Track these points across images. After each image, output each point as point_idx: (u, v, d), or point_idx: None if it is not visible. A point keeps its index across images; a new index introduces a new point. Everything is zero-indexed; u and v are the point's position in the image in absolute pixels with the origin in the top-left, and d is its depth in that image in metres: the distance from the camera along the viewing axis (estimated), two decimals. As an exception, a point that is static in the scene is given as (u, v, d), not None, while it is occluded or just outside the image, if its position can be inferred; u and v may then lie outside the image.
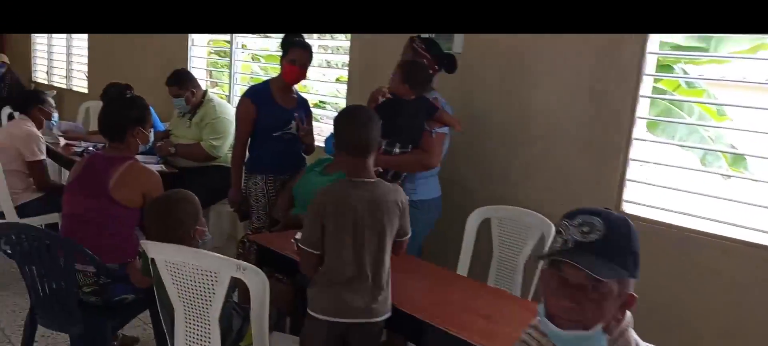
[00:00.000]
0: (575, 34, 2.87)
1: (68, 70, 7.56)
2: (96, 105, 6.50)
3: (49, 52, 8.00)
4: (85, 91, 7.12)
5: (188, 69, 5.28)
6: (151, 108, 4.87)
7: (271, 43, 6.35)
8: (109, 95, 2.57)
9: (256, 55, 6.35)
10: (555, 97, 3.01)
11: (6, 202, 3.39)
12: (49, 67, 8.06)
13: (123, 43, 6.34)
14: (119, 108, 2.53)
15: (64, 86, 7.64)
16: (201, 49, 5.44)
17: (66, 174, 4.58)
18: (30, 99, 3.64)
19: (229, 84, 5.00)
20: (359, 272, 2.03)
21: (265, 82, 3.41)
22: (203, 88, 4.35)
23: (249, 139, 3.40)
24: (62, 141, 4.52)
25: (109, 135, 2.53)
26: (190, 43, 5.34)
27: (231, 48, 4.95)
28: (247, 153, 3.45)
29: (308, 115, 3.54)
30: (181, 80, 4.14)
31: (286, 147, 3.40)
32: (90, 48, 6.98)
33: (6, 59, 7.49)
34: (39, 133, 3.55)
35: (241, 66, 5.09)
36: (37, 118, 3.64)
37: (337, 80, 4.90)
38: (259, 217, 3.38)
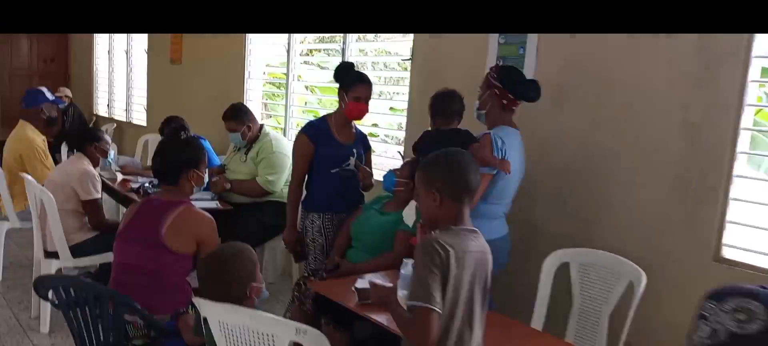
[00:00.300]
0: (666, 61, 2.61)
1: (128, 103, 7.68)
2: (155, 138, 6.54)
3: (110, 86, 8.16)
4: (144, 124, 7.20)
5: (244, 101, 5.24)
6: (206, 143, 4.86)
7: (326, 74, 6.26)
8: (163, 136, 2.47)
9: (311, 86, 6.26)
10: (643, 129, 2.72)
11: (61, 242, 3.32)
12: (110, 100, 8.22)
13: (181, 76, 6.38)
14: (173, 150, 2.40)
15: (124, 119, 7.76)
16: (257, 82, 5.38)
17: (123, 210, 4.55)
18: (85, 137, 3.59)
19: (285, 117, 4.90)
20: (471, 337, 1.78)
21: (323, 118, 3.26)
22: (259, 121, 4.24)
23: (306, 177, 3.24)
24: (119, 176, 4.49)
25: (163, 178, 2.40)
26: (246, 74, 5.29)
27: (287, 80, 4.84)
28: (304, 191, 3.29)
29: (367, 150, 3.37)
30: (238, 115, 4.04)
31: (344, 184, 3.23)
32: (149, 81, 7.07)
33: (69, 93, 7.69)
34: (95, 171, 3.49)
35: (297, 98, 4.97)
36: (93, 156, 3.58)
37: (391, 111, 4.73)
38: (316, 257, 3.20)
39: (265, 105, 5.62)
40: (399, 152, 3.76)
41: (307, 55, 5.28)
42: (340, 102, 3.14)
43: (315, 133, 3.15)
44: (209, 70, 5.85)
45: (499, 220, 2.76)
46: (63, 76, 9.29)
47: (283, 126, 4.95)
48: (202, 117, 5.71)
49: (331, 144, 3.15)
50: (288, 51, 4.79)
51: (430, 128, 2.84)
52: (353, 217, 3.15)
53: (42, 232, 3.41)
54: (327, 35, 5.41)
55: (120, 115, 7.95)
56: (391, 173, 3.04)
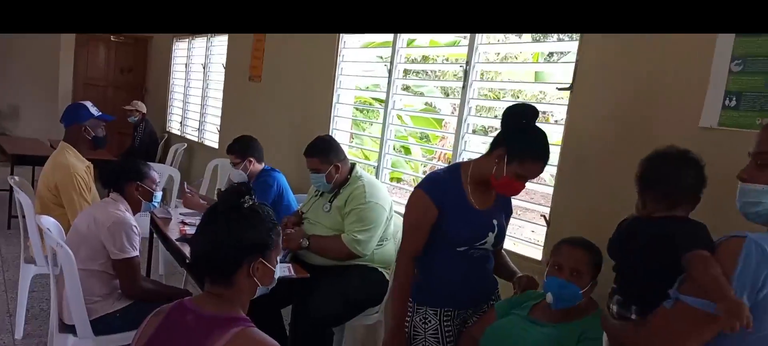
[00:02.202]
0: None
1: (201, 122, 6.97)
2: (225, 163, 5.76)
3: (185, 104, 7.52)
4: (216, 146, 6.45)
5: (330, 130, 4.32)
6: (281, 178, 3.92)
7: (416, 100, 5.28)
8: (215, 208, 1.48)
9: (399, 115, 5.29)
10: None
11: (80, 314, 2.43)
12: (183, 118, 7.57)
13: (259, 95, 5.56)
14: (229, 231, 1.43)
15: (196, 139, 7.06)
16: (346, 108, 4.43)
17: (170, 265, 3.63)
18: (124, 172, 2.69)
19: (380, 153, 3.90)
20: None
21: (455, 169, 2.20)
22: (350, 160, 3.27)
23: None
24: (176, 216, 3.63)
25: (211, 273, 1.44)
26: (334, 98, 4.35)
27: (385, 107, 3.85)
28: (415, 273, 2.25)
29: (508, 217, 2.32)
30: (325, 151, 3.09)
31: (473, 268, 2.19)
32: (224, 99, 6.32)
33: (142, 108, 7.09)
34: (133, 220, 2.59)
35: (395, 131, 3.97)
36: (133, 198, 2.69)
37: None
38: (430, 375, 2.16)
39: (351, 136, 4.68)
40: (544, 216, 2.68)
41: (406, 76, 4.29)
42: (490, 157, 2.08)
43: (442, 193, 2.11)
44: (291, 91, 4.98)
45: None
46: (139, 88, 8.78)
47: (375, 164, 3.97)
48: (279, 145, 4.84)
49: (465, 211, 2.11)
50: (390, 70, 3.80)
51: (636, 209, 1.74)
52: (482, 321, 2.11)
53: (58, 297, 2.55)
54: (443, 54, 4.44)
55: (192, 134, 7.26)
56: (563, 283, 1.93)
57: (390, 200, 3.18)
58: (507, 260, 2.38)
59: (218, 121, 6.44)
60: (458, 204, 2.09)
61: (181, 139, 7.37)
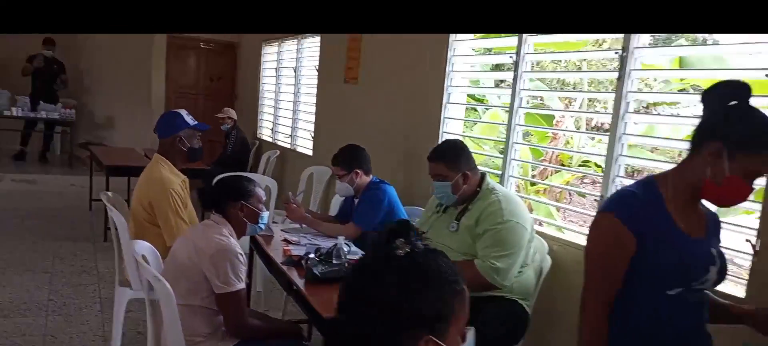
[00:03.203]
0: None
1: (293, 128, 6.68)
2: (320, 171, 5.42)
3: (276, 109, 7.27)
4: (310, 153, 6.12)
5: (439, 136, 3.84)
6: (391, 190, 3.47)
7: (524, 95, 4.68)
8: (362, 262, 1.03)
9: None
10: None
11: (180, 357, 2.06)
12: (275, 124, 7.32)
13: (356, 99, 5.16)
14: (373, 297, 1.00)
15: (288, 146, 6.78)
16: (458, 108, 3.93)
17: (269, 282, 3.22)
18: (226, 191, 2.30)
19: (504, 159, 3.36)
20: None
21: (650, 183, 1.64)
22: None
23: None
24: (278, 233, 3.25)
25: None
26: (445, 99, 3.86)
27: (511, 106, 3.31)
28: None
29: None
30: (453, 156, 2.63)
31: (686, 316, 1.63)
32: (318, 103, 5.97)
33: (233, 115, 6.89)
34: (237, 247, 2.19)
35: (521, 134, 3.42)
36: (237, 221, 2.30)
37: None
38: None
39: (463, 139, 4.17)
40: (750, 242, 2.07)
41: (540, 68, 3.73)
42: (698, 159, 1.54)
43: (640, 217, 1.55)
44: (393, 92, 4.53)
45: None
46: (229, 95, 8.65)
47: (499, 172, 3.44)
48: (380, 153, 4.40)
49: (675, 240, 1.55)
50: (517, 63, 3.26)
51: None
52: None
53: (155, 333, 2.19)
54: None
55: (284, 141, 6.99)
56: None
57: (531, 218, 2.66)
58: (716, 298, 1.79)
59: (312, 126, 6.11)
60: (665, 232, 1.54)
61: (273, 146, 7.11)
